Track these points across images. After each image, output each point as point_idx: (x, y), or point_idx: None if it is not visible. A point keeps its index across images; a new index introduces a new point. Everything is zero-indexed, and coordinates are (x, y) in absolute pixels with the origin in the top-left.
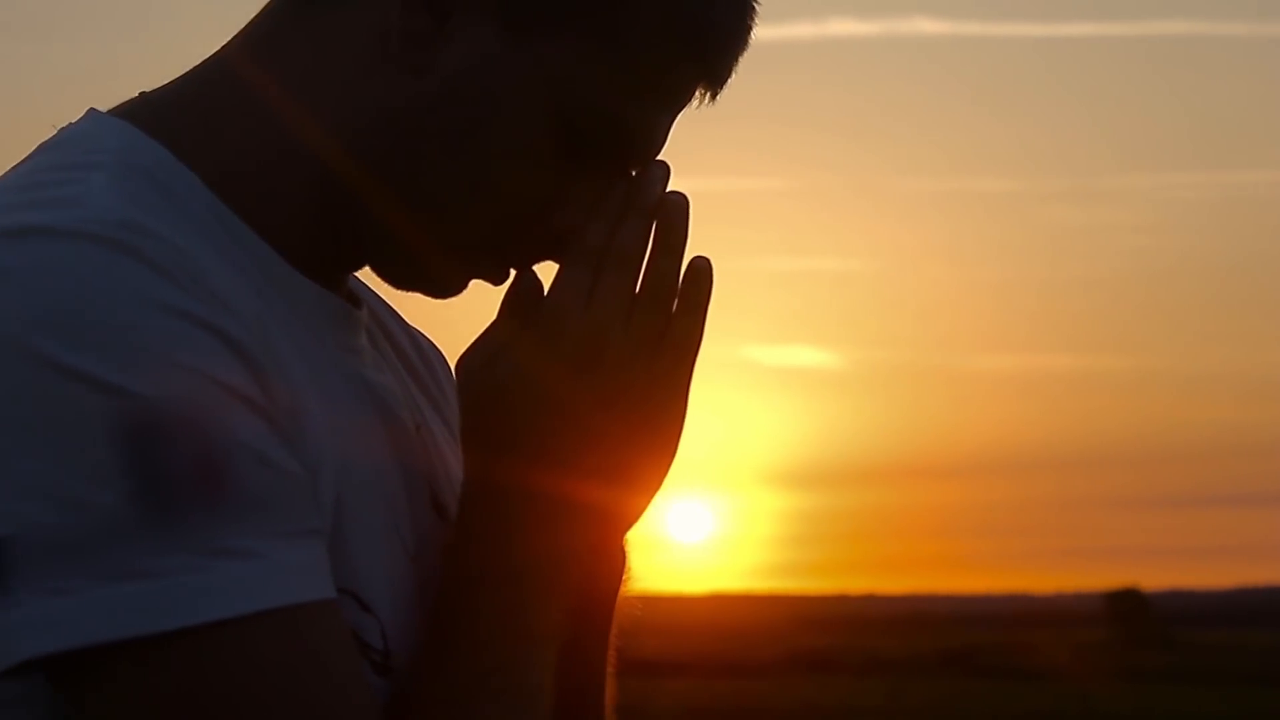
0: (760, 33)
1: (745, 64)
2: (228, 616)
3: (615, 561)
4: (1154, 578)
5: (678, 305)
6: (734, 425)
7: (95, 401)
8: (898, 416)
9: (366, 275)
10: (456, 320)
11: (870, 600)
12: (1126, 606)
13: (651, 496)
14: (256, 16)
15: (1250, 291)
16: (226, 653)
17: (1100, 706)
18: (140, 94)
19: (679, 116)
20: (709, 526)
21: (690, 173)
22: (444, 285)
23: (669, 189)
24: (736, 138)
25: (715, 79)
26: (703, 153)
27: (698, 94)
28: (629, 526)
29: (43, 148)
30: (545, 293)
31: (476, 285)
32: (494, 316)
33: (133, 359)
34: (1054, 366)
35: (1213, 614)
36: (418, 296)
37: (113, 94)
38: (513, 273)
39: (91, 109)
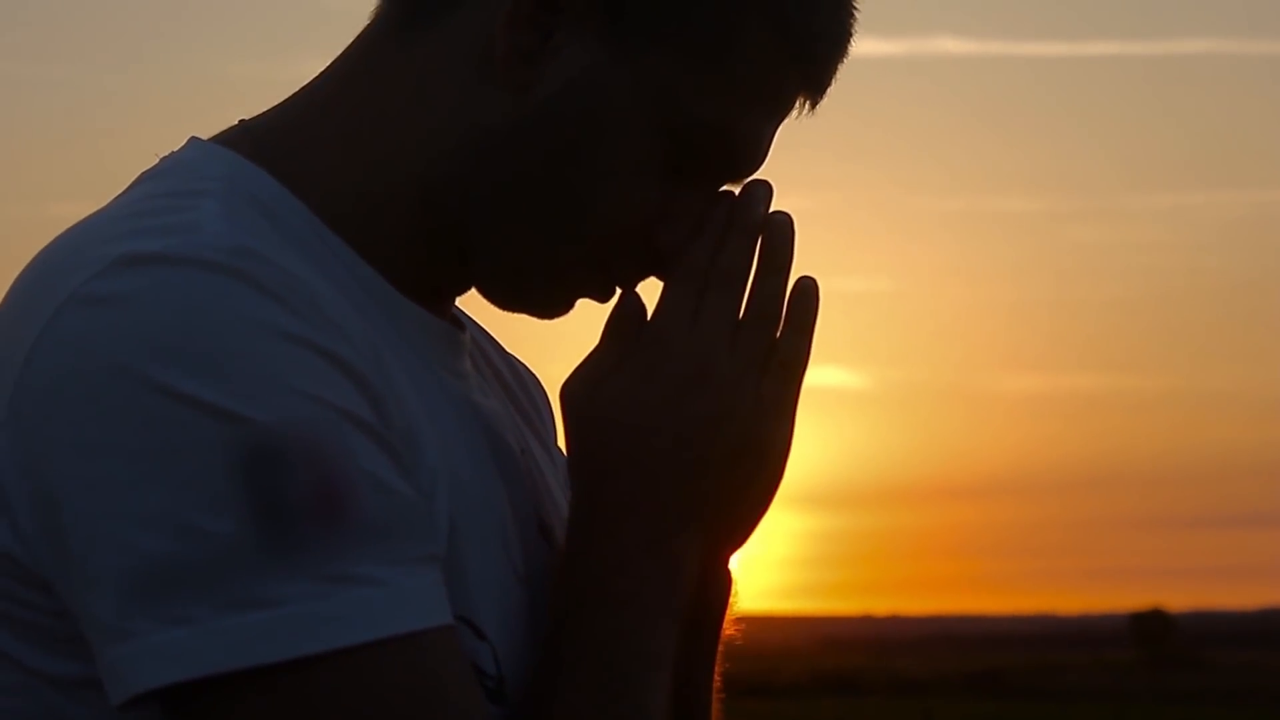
0: None
1: None
2: (350, 644)
3: (722, 583)
4: (1180, 598)
5: (784, 325)
6: None
7: (213, 429)
8: (920, 436)
9: (465, 301)
10: (555, 346)
11: (895, 621)
12: (1152, 627)
13: (760, 516)
14: (357, 39)
15: (1270, 309)
16: (349, 680)
17: None
18: (240, 121)
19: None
20: None
21: None
22: (550, 306)
23: (772, 208)
24: None
25: (817, 87)
26: None
27: (798, 103)
28: (738, 546)
29: (145, 176)
30: (649, 315)
31: (579, 309)
32: (595, 341)
33: (250, 386)
34: (1077, 385)
35: (1239, 634)
36: (514, 322)
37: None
38: (618, 291)
39: (193, 137)
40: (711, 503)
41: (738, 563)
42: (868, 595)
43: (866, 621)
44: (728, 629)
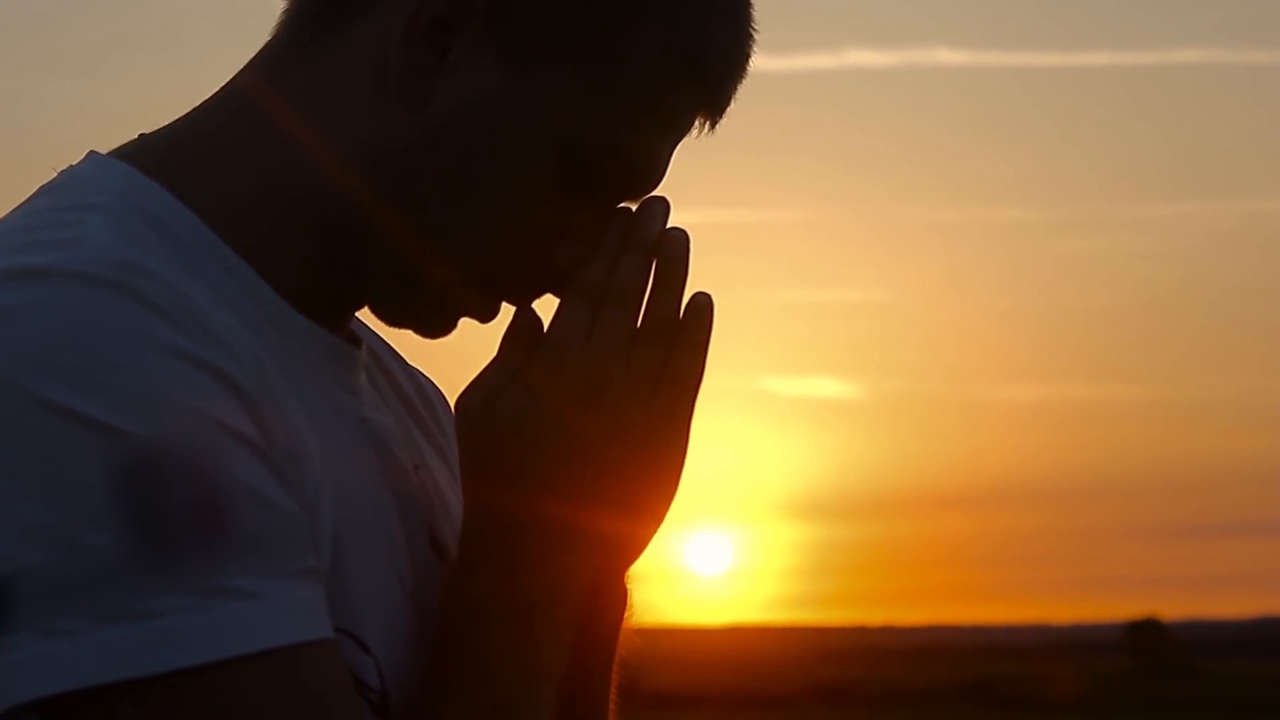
0: (777, 63)
1: (764, 95)
2: (227, 657)
3: (618, 595)
4: (1174, 607)
5: (679, 341)
6: (751, 456)
7: (93, 442)
8: (914, 446)
9: (367, 315)
10: (456, 360)
11: (889, 631)
12: (1146, 637)
13: (654, 530)
14: (257, 56)
15: (1262, 318)
16: (226, 693)
17: None
18: (139, 135)
19: (682, 148)
20: (727, 559)
21: (706, 205)
22: (435, 325)
23: (669, 225)
24: (753, 169)
25: (715, 106)
26: (718, 185)
27: (698, 123)
28: (632, 560)
29: (43, 190)
30: (545, 329)
31: (475, 325)
32: (492, 355)
33: (130, 399)
34: (1069, 394)
35: (1234, 644)
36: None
37: (114, 133)
38: (502, 309)
39: (92, 152)
40: (603, 518)
41: (635, 578)
42: (861, 605)
43: (861, 632)
44: (624, 643)
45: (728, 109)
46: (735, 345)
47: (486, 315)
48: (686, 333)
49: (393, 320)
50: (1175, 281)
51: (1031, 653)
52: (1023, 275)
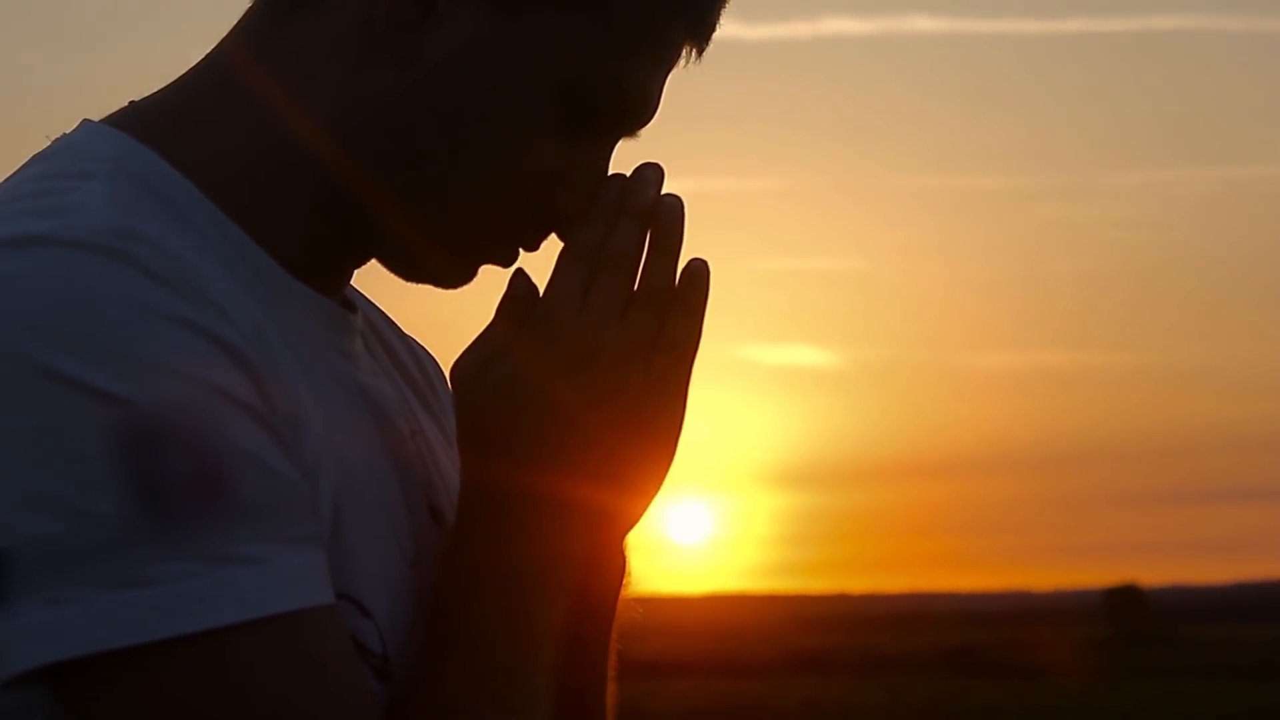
0: (755, 32)
1: (742, 64)
2: (230, 623)
3: (615, 563)
4: (1153, 574)
5: (675, 307)
6: (730, 425)
7: (93, 410)
8: (894, 414)
9: (363, 281)
10: (451, 325)
11: (868, 599)
12: (1126, 603)
13: (650, 498)
14: (243, 18)
15: (1242, 285)
16: (228, 659)
17: (1101, 703)
18: (130, 103)
19: (660, 119)
20: (707, 528)
21: (685, 174)
22: (452, 275)
23: (663, 191)
24: (731, 138)
25: (701, 33)
26: (697, 153)
27: (684, 51)
28: (628, 528)
29: (36, 158)
30: (540, 295)
31: (470, 289)
32: (488, 321)
33: (131, 367)
34: (1049, 362)
35: (1212, 609)
36: (411, 300)
37: (107, 103)
38: (520, 255)
39: (85, 120)
40: (601, 482)
41: (633, 544)
42: (843, 573)
43: (842, 600)
44: (623, 609)
45: (713, 35)
46: (714, 314)
47: (506, 260)
48: (683, 299)
49: (407, 275)
50: (1155, 249)
51: (1011, 619)
52: (1002, 243)
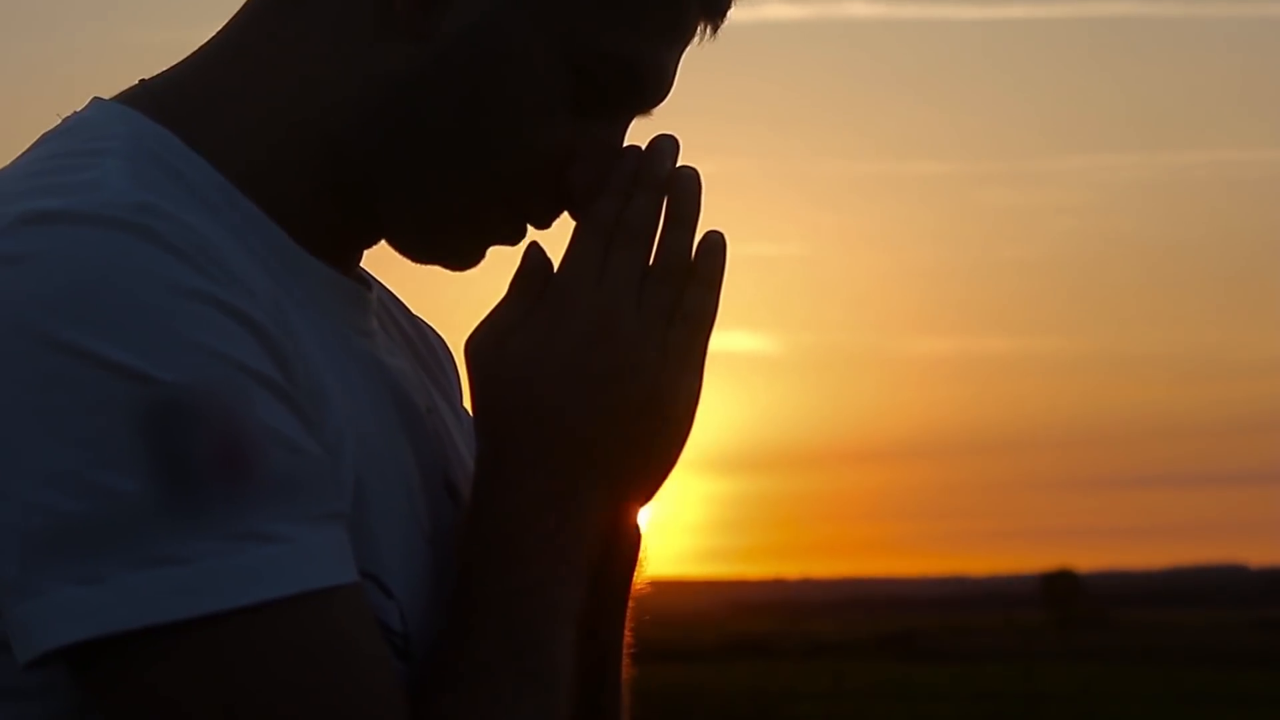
0: None
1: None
2: (258, 601)
3: (630, 539)
4: (1088, 559)
5: (691, 279)
6: None
7: (118, 387)
8: (831, 400)
9: (372, 263)
10: (457, 306)
11: (806, 584)
12: (1061, 588)
13: (668, 470)
14: None
15: (1182, 273)
16: (256, 636)
17: (1038, 687)
18: (140, 81)
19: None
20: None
21: None
22: (464, 255)
23: (679, 163)
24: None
25: (716, 10)
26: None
27: (699, 29)
28: (646, 500)
29: (48, 136)
30: (554, 270)
31: (480, 267)
32: (488, 307)
33: (155, 344)
34: (987, 349)
35: (1147, 594)
36: (420, 281)
37: (115, 82)
38: (529, 233)
39: (96, 98)
40: (617, 457)
41: (647, 522)
42: (779, 559)
43: (778, 585)
44: (638, 586)
45: (728, 12)
46: None
47: (515, 238)
48: (700, 271)
49: (419, 256)
50: (1097, 235)
51: (949, 604)
52: (941, 229)
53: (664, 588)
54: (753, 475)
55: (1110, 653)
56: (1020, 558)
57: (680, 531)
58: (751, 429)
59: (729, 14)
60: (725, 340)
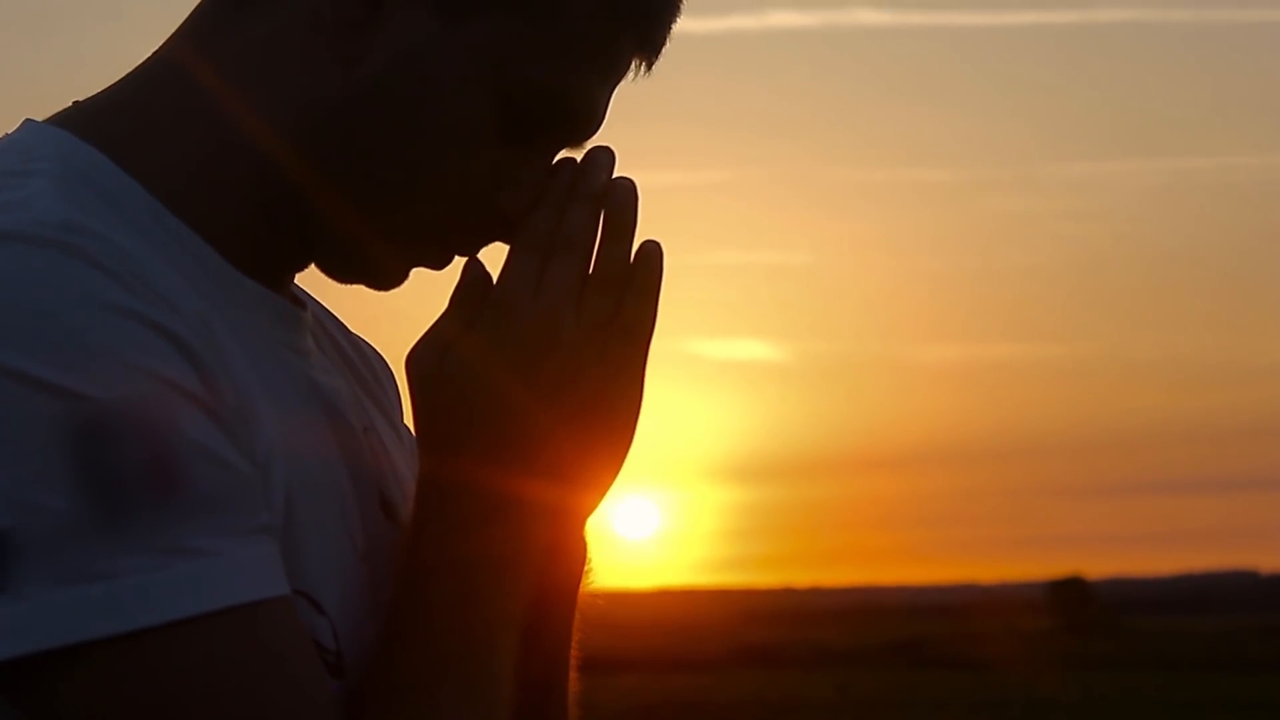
0: (698, 25)
1: (686, 57)
2: (185, 616)
3: (575, 553)
4: (1097, 566)
5: (630, 289)
6: (677, 420)
7: (44, 404)
8: (841, 408)
9: (308, 280)
10: (399, 319)
11: (815, 593)
12: (1070, 595)
13: (608, 486)
14: (190, 17)
15: (1191, 278)
16: (184, 652)
17: (1047, 695)
18: (74, 103)
19: (617, 99)
20: (655, 522)
21: (630, 168)
22: (386, 277)
23: (615, 174)
24: (675, 131)
25: (651, 47)
26: (642, 147)
27: (634, 64)
28: (586, 517)
29: None
30: (493, 283)
31: (419, 283)
32: (440, 311)
33: (80, 360)
34: (995, 355)
35: (1156, 601)
36: (359, 299)
37: (51, 100)
38: (455, 259)
39: (28, 119)
40: (561, 466)
41: (594, 532)
42: (789, 568)
43: (788, 594)
44: (584, 596)
45: (663, 50)
46: (661, 307)
47: (439, 263)
48: (637, 281)
49: (342, 277)
50: (1102, 240)
51: (957, 612)
52: (949, 236)
53: (676, 598)
54: (763, 484)
55: (1120, 660)
56: (1029, 564)
57: (693, 542)
58: (762, 437)
59: (664, 51)
60: (735, 349)
